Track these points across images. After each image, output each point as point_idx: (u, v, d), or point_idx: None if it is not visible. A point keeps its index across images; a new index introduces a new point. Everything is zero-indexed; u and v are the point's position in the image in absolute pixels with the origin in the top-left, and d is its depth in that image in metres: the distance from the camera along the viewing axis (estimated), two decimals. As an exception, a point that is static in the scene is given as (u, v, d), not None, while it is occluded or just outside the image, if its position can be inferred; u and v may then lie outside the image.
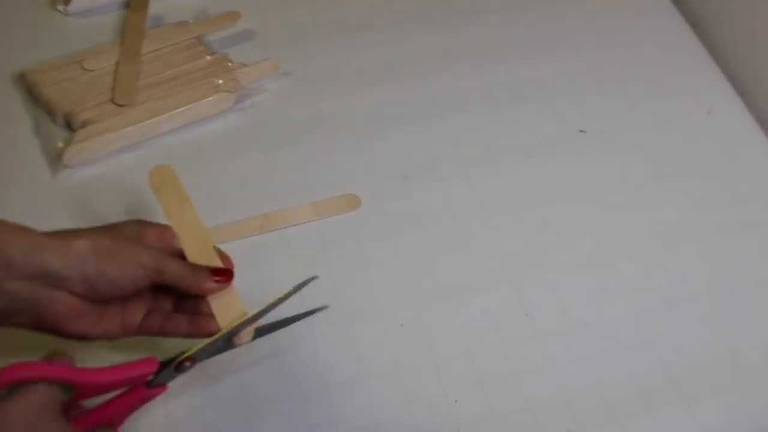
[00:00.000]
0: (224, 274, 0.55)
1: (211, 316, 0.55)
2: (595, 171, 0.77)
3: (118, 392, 0.51)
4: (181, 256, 0.56)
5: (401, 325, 0.65)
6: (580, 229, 0.73)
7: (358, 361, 0.63)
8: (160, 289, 0.55)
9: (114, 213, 0.70)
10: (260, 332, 0.56)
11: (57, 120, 0.77)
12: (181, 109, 0.77)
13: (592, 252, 0.71)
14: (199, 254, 0.56)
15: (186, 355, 0.53)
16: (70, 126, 0.76)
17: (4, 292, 0.48)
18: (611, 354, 0.65)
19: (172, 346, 0.55)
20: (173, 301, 0.57)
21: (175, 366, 0.53)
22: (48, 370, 0.47)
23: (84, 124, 0.75)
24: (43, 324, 0.50)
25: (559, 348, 0.65)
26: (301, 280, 0.56)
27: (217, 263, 0.56)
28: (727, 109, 0.83)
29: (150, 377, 0.52)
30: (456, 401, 0.61)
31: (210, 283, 0.54)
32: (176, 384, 0.54)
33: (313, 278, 0.56)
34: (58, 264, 0.49)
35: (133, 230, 0.54)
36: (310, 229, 0.71)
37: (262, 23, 0.88)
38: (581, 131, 0.80)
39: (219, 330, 0.55)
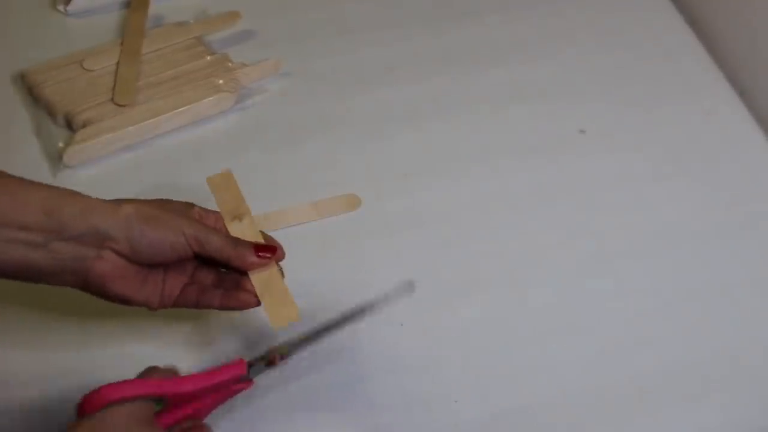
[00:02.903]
0: (267, 250, 0.56)
1: (248, 291, 0.56)
2: (595, 171, 0.77)
3: None
4: None
5: (401, 324, 0.65)
6: (580, 229, 0.73)
7: (357, 361, 0.63)
8: (203, 264, 0.57)
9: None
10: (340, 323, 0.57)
11: (57, 120, 0.77)
12: (182, 109, 0.77)
13: (592, 252, 0.71)
14: (245, 236, 0.57)
15: (277, 352, 0.54)
16: (70, 126, 0.76)
17: (54, 253, 0.50)
18: (611, 354, 0.65)
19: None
20: (215, 277, 0.58)
21: (266, 362, 0.54)
22: (138, 388, 0.47)
23: (84, 125, 0.75)
24: (89, 284, 0.52)
25: (559, 348, 0.65)
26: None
27: (260, 239, 0.57)
28: (726, 109, 0.83)
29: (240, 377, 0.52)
30: (456, 401, 0.62)
31: (252, 257, 0.55)
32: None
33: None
34: (105, 224, 0.51)
35: (180, 206, 0.56)
36: (310, 229, 0.71)
37: (262, 23, 0.88)
38: (581, 131, 0.80)
39: (256, 304, 0.56)
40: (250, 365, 0.53)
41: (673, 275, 0.70)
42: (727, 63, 0.87)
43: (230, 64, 0.81)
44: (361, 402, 0.61)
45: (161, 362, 0.58)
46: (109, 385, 0.47)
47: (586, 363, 0.64)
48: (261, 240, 0.58)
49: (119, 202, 0.53)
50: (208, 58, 0.82)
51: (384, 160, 0.77)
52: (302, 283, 0.69)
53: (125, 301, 0.54)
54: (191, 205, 0.57)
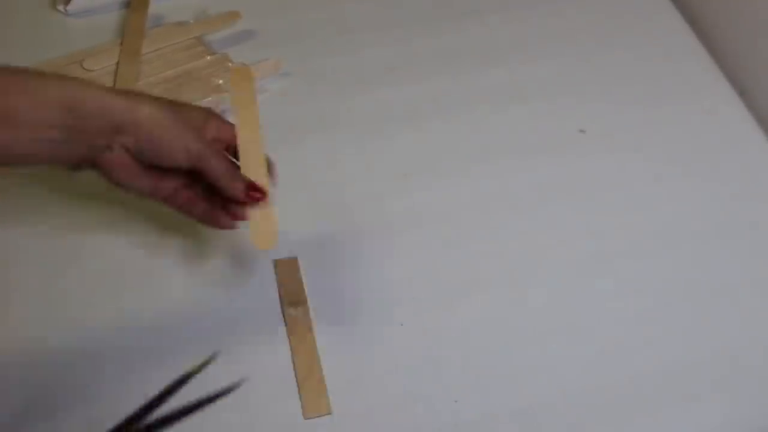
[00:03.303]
0: (258, 192, 0.59)
1: (230, 215, 0.60)
2: (595, 171, 0.77)
3: None
4: (235, 155, 0.60)
5: (401, 325, 0.65)
6: (580, 229, 0.73)
7: (357, 361, 0.63)
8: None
9: (115, 212, 0.70)
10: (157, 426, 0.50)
11: (57, 120, 0.77)
12: (182, 109, 0.77)
13: (592, 252, 0.71)
14: (251, 159, 0.59)
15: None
16: (70, 126, 0.76)
17: (72, 146, 0.53)
18: (611, 354, 0.65)
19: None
20: (207, 189, 0.60)
21: None
22: None
23: (84, 124, 0.75)
24: (95, 167, 0.56)
25: (559, 348, 0.65)
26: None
27: (262, 174, 0.59)
28: (727, 109, 0.83)
29: None
30: (456, 401, 0.62)
31: (241, 194, 0.58)
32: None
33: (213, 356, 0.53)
34: (121, 122, 0.54)
35: (198, 116, 0.59)
36: (310, 230, 0.71)
37: (262, 23, 0.88)
38: (581, 131, 0.80)
39: (232, 226, 0.61)
40: None
41: (673, 275, 0.70)
42: (727, 63, 0.87)
43: (230, 64, 0.81)
44: (360, 401, 0.61)
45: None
46: None
47: (586, 363, 0.64)
48: (312, 330, 0.63)
49: (138, 99, 0.55)
50: (208, 58, 0.82)
51: (384, 159, 0.77)
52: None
53: (123, 187, 0.57)
54: (210, 116, 0.59)
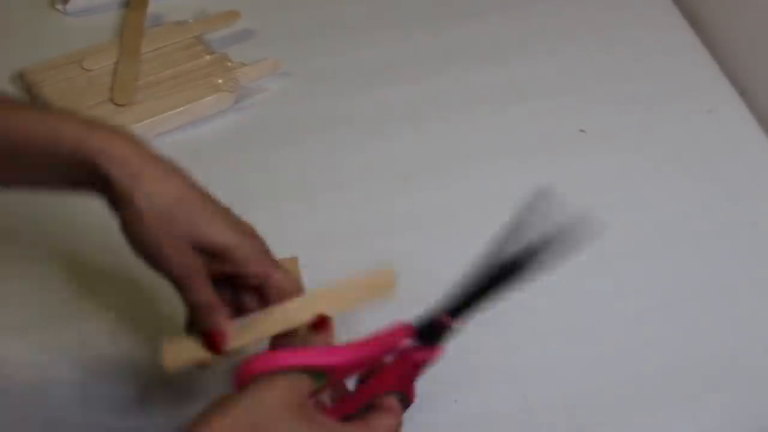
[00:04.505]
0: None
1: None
2: (595, 171, 0.77)
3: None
4: None
5: (401, 325, 0.65)
6: (580, 229, 0.72)
7: (358, 362, 0.63)
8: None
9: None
10: None
11: (56, 120, 0.77)
12: (181, 108, 0.77)
13: (592, 252, 0.71)
14: None
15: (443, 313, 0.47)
16: (69, 126, 0.76)
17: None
18: (611, 354, 0.64)
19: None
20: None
21: (438, 326, 0.47)
22: (290, 359, 0.42)
23: (83, 124, 0.75)
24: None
25: (559, 348, 0.65)
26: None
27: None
28: (727, 108, 0.83)
29: (410, 344, 0.46)
30: (456, 401, 0.61)
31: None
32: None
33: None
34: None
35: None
36: (308, 231, 0.71)
37: (261, 23, 0.88)
38: (581, 131, 0.80)
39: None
40: (420, 331, 0.46)
41: (673, 275, 0.70)
42: (727, 62, 0.87)
43: (229, 64, 0.81)
44: (361, 402, 0.61)
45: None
46: (255, 357, 0.41)
47: (585, 363, 0.64)
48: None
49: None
50: (207, 57, 0.82)
51: (384, 160, 0.77)
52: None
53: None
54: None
